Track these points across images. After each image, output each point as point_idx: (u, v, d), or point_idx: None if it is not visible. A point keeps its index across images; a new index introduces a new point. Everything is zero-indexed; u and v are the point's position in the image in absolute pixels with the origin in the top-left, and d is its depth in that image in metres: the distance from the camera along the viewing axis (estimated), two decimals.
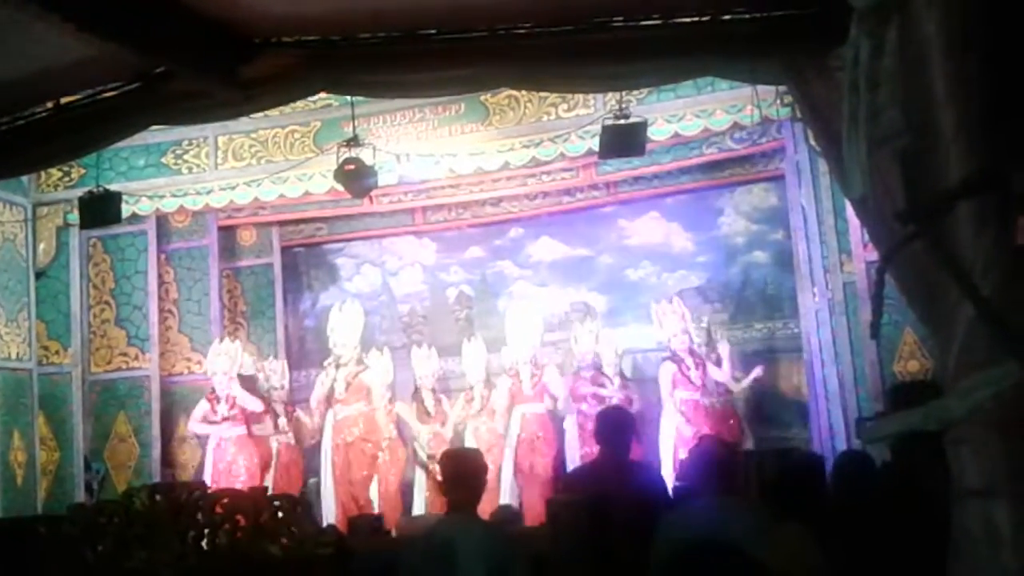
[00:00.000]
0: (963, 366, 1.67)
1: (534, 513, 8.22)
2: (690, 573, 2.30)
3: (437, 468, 9.07)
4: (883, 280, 1.96)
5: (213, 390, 9.21)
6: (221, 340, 9.56)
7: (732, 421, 8.94)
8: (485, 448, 8.39)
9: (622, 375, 9.41)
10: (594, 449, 5.65)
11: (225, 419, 9.09)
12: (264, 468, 9.25)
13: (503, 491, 9.01)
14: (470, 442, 9.11)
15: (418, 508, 9.34)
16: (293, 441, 9.67)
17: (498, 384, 9.39)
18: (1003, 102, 1.62)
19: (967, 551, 1.68)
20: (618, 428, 4.99)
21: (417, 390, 9.69)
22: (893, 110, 1.76)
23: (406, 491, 9.54)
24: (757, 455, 7.24)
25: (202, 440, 9.46)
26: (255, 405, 9.22)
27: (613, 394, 9.02)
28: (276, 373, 9.81)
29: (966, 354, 1.67)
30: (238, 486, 7.94)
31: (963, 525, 1.69)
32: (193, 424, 9.28)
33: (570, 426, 9.17)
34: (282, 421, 9.58)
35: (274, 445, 9.47)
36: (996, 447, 1.63)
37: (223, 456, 9.03)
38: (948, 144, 1.65)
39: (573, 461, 8.90)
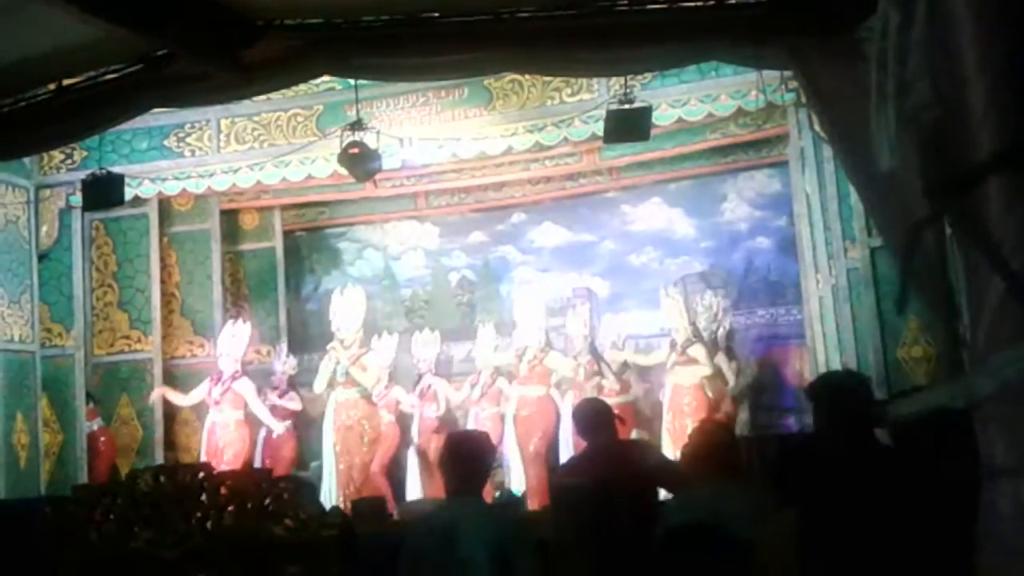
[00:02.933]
0: (992, 343, 1.66)
1: (535, 494, 8.28)
2: (679, 555, 2.32)
3: (432, 450, 9.23)
4: (911, 255, 1.95)
5: (220, 372, 9.25)
6: (235, 322, 9.59)
7: (725, 406, 8.93)
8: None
9: (623, 360, 9.41)
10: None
11: (218, 402, 9.11)
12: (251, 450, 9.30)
13: (507, 473, 9.04)
14: (471, 426, 9.12)
15: (412, 492, 9.37)
16: (291, 425, 9.69)
17: (502, 369, 9.41)
18: None
19: (996, 532, 1.67)
20: (594, 418, 5.02)
21: (419, 374, 9.72)
22: (922, 83, 1.74)
23: (401, 474, 9.56)
24: (759, 441, 7.25)
25: (200, 415, 9.49)
26: (258, 408, 9.24)
27: (610, 380, 9.04)
28: (279, 357, 9.83)
29: (995, 331, 1.65)
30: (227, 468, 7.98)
31: (992, 505, 1.68)
32: (189, 397, 9.29)
33: (566, 410, 9.16)
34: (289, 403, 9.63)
35: (262, 430, 9.50)
36: None
37: (216, 439, 9.06)
38: (978, 118, 1.64)
39: (566, 442, 8.92)
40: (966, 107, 1.66)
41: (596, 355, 9.26)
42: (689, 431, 5.00)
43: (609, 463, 4.74)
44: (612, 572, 4.23)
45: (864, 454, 3.38)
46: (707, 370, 8.74)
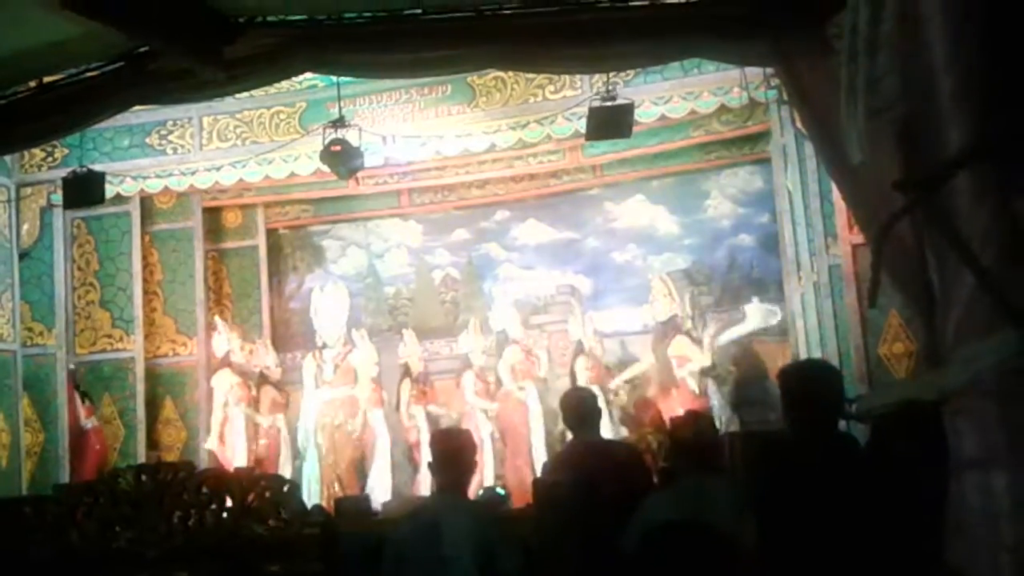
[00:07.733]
0: (962, 336, 1.67)
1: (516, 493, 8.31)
2: (659, 553, 2.30)
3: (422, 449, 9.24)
4: (882, 249, 1.96)
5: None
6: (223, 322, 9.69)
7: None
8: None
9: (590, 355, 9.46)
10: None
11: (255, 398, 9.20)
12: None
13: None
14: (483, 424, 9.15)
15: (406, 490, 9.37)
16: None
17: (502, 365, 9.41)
18: (1003, 71, 1.62)
19: (965, 524, 1.68)
20: (578, 409, 4.99)
21: (415, 374, 9.70)
22: (891, 78, 1.75)
23: (394, 473, 9.54)
24: (741, 437, 7.25)
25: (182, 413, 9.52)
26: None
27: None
28: (264, 355, 9.81)
29: (965, 324, 1.67)
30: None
31: (961, 497, 1.69)
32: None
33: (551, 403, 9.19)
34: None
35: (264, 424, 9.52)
36: (995, 417, 1.63)
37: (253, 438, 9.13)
38: (947, 112, 1.65)
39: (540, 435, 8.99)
40: (935, 101, 1.67)
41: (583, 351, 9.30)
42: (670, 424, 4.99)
43: (593, 460, 4.72)
44: (594, 571, 4.24)
45: (831, 446, 3.38)
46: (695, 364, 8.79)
